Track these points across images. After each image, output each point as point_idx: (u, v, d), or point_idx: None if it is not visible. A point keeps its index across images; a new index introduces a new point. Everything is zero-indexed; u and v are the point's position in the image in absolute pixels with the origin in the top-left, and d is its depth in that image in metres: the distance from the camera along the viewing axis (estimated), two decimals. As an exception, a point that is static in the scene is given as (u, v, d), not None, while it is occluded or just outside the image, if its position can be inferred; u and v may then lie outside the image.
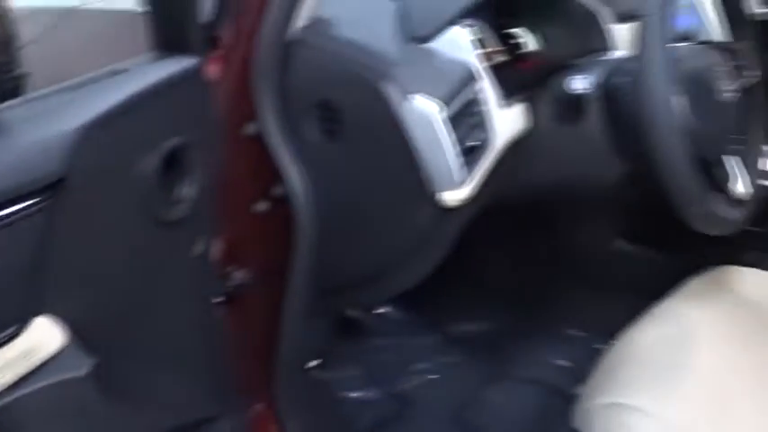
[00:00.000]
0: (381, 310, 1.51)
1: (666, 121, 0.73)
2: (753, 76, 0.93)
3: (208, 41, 0.69)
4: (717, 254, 1.18)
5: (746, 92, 0.93)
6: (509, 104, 0.86)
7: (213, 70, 0.70)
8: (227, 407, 0.78)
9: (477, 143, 0.76)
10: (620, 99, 0.84)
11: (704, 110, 0.82)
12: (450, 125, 0.71)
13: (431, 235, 0.78)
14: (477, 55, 0.84)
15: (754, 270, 1.11)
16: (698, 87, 0.82)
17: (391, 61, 0.72)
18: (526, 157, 0.92)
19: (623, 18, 1.10)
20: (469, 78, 0.80)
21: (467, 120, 0.76)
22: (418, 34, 0.85)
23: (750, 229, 1.31)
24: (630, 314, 1.02)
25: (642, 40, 0.76)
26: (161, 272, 0.63)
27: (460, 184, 0.71)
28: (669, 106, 0.73)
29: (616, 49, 1.07)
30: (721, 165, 0.87)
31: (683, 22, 1.18)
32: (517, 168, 0.93)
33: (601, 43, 1.08)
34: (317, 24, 0.80)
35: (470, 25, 0.97)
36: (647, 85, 0.74)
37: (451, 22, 0.85)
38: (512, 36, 1.11)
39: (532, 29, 1.13)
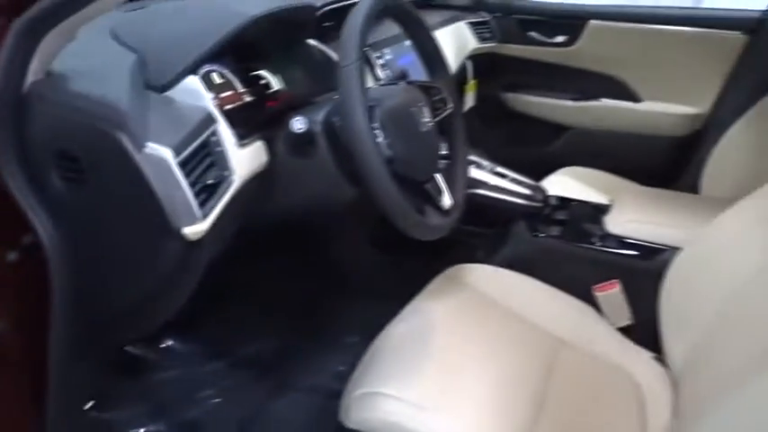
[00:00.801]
0: (166, 345, 1.54)
1: (371, 153, 0.87)
2: (446, 109, 1.14)
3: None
4: (453, 255, 1.39)
5: (444, 122, 1.14)
6: (247, 143, 0.96)
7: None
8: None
9: (214, 181, 0.84)
10: (338, 135, 0.98)
11: (408, 140, 0.99)
12: (185, 167, 0.79)
13: (180, 267, 0.85)
14: (213, 100, 0.93)
15: (482, 266, 1.33)
16: (400, 122, 0.99)
17: (125, 112, 0.78)
18: (270, 188, 1.04)
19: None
20: (205, 123, 0.88)
21: (203, 160, 0.84)
22: (155, 84, 0.92)
23: (476, 232, 1.56)
24: (394, 314, 1.17)
25: (342, 87, 0.90)
26: None
27: (199, 219, 0.79)
28: (371, 140, 0.88)
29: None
30: (432, 182, 1.06)
31: (404, 62, 1.39)
32: (264, 198, 1.04)
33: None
34: (53, 78, 0.84)
35: (211, 71, 1.06)
36: (350, 124, 0.88)
37: (187, 72, 0.93)
38: (260, 77, 1.23)
39: (277, 71, 1.26)
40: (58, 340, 0.86)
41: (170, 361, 1.49)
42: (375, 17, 0.98)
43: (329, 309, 1.54)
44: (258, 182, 1.01)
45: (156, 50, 0.94)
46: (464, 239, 1.53)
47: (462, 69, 1.91)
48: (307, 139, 0.98)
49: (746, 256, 1.02)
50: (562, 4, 2.04)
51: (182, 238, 0.80)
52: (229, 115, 0.96)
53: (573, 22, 2.00)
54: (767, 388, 0.67)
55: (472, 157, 1.48)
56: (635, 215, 1.42)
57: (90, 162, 0.80)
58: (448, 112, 1.15)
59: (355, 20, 0.94)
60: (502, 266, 1.33)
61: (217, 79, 1.12)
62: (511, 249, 1.43)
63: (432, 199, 1.04)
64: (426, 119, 1.04)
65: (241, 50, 1.17)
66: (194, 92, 0.92)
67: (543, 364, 1.13)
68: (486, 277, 1.31)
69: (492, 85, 2.18)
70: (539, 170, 1.76)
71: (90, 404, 1.10)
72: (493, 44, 2.08)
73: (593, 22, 1.96)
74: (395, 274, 1.54)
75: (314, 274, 1.52)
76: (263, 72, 1.23)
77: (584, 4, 2.00)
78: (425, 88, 1.12)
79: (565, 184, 1.71)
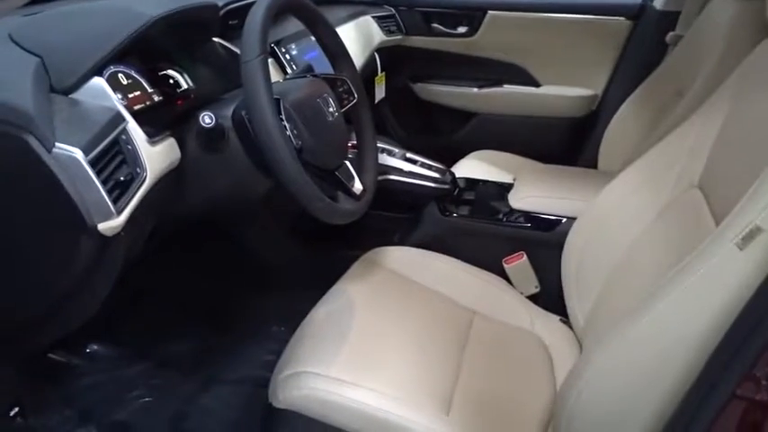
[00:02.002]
0: (89, 349, 1.53)
1: (279, 143, 0.91)
2: (351, 100, 1.19)
3: None
4: (371, 240, 1.45)
5: (350, 112, 1.20)
6: (158, 141, 0.99)
7: None
8: None
9: (125, 178, 0.86)
10: (247, 128, 1.02)
11: (315, 130, 1.04)
12: (95, 165, 0.81)
13: (96, 264, 0.86)
14: (120, 101, 0.95)
15: (398, 247, 1.40)
16: (306, 113, 1.03)
17: (30, 115, 0.78)
18: (184, 184, 1.06)
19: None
20: (113, 122, 0.89)
21: (114, 158, 0.86)
22: (59, 87, 0.93)
23: (391, 217, 1.63)
24: (317, 301, 1.21)
25: (246, 82, 0.94)
26: None
27: (114, 214, 0.81)
28: (279, 131, 0.92)
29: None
30: (343, 169, 1.11)
31: (310, 56, 1.44)
32: (178, 193, 1.06)
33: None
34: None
35: (117, 72, 1.07)
36: (258, 117, 0.92)
37: (91, 74, 0.94)
38: (169, 77, 1.25)
39: (185, 70, 1.27)
40: None
41: (95, 365, 1.49)
42: (275, 14, 1.02)
43: (252, 301, 1.57)
44: (172, 178, 1.04)
45: (59, 53, 0.95)
46: (380, 225, 1.60)
47: (371, 62, 1.97)
48: (217, 133, 1.01)
49: (631, 219, 1.13)
50: (462, -5, 2.13)
51: (98, 234, 0.82)
52: (139, 114, 0.98)
53: (473, 13, 2.09)
54: (654, 319, 0.76)
55: (383, 145, 1.55)
56: (536, 191, 1.52)
57: (2, 165, 0.80)
58: (353, 102, 1.20)
59: (255, 16, 0.98)
60: (417, 247, 1.41)
61: (124, 80, 1.13)
62: (424, 230, 1.51)
63: (343, 185, 1.09)
64: (332, 109, 1.09)
65: (147, 51, 1.19)
66: (101, 93, 0.93)
67: (459, 334, 1.20)
68: (402, 258, 1.37)
69: (401, 76, 2.25)
70: (450, 156, 1.84)
71: (15, 411, 1.09)
72: (399, 37, 2.15)
73: (491, 12, 2.07)
74: (315, 262, 1.59)
75: (233, 269, 1.54)
76: (170, 72, 1.25)
77: (482, -5, 2.10)
78: (330, 80, 1.17)
79: (474, 167, 1.81)
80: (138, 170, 0.90)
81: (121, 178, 0.85)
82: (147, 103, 1.16)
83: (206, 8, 1.16)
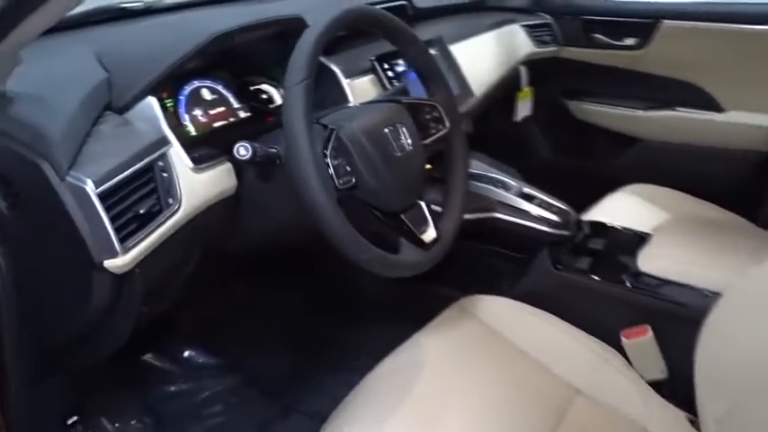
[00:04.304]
0: (187, 355, 1.54)
1: (312, 181, 0.79)
2: (440, 129, 1.03)
3: None
4: (478, 278, 1.28)
5: (438, 143, 1.03)
6: (206, 168, 0.91)
7: None
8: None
9: (152, 209, 0.80)
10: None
11: (375, 165, 0.89)
12: (108, 198, 0.74)
13: (112, 298, 0.81)
14: (168, 123, 0.88)
15: (496, 297, 1.21)
16: (366, 145, 0.89)
17: (51, 139, 0.75)
18: (240, 214, 0.98)
19: (353, 74, 1.19)
20: (152, 147, 0.83)
21: (140, 188, 0.80)
22: (116, 105, 0.90)
23: (500, 253, 1.43)
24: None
25: (285, 110, 0.82)
26: None
27: (119, 253, 0.75)
28: (314, 168, 0.79)
29: (350, 101, 1.15)
30: (413, 212, 0.96)
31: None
32: (232, 224, 0.99)
33: (339, 96, 1.16)
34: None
35: (201, 87, 1.03)
36: (290, 150, 0.80)
37: (146, 93, 0.89)
38: (262, 91, 1.19)
39: (280, 84, 1.20)
40: (12, 364, 0.85)
41: (186, 372, 1.49)
42: (343, 30, 0.90)
43: (343, 332, 1.47)
44: (224, 207, 0.96)
45: (122, 70, 0.92)
46: (491, 262, 1.41)
47: (514, 76, 1.76)
48: (269, 161, 0.91)
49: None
50: (632, 2, 1.83)
51: (106, 270, 0.76)
52: (217, 132, 0.94)
53: (644, 23, 1.78)
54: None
55: (499, 176, 1.35)
56: (677, 250, 1.23)
57: (22, 187, 0.78)
58: (443, 132, 1.04)
59: (308, 37, 0.86)
60: (521, 300, 1.20)
61: (208, 95, 1.09)
62: (531, 282, 1.29)
63: (409, 231, 0.93)
64: (405, 141, 0.94)
65: (238, 64, 1.13)
66: (150, 114, 0.88)
67: (552, 413, 1.00)
68: (499, 310, 1.19)
69: (552, 91, 2.00)
70: (602, 185, 1.60)
71: (73, 419, 1.10)
72: (554, 48, 1.91)
73: (666, 21, 1.74)
74: (411, 296, 1.44)
75: (324, 298, 1.46)
76: (264, 86, 1.18)
77: (656, 2, 1.78)
78: (415, 106, 1.01)
79: (618, 205, 1.53)
80: (169, 201, 0.83)
81: (141, 211, 0.78)
82: (231, 119, 1.11)
83: (290, 21, 1.07)
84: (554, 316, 1.17)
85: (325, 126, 0.89)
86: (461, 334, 1.13)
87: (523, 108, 1.85)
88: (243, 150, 0.83)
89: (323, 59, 1.17)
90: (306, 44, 0.85)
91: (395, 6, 1.46)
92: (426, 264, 0.94)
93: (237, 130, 1.07)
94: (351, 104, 1.02)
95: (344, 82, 1.16)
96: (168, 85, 1.02)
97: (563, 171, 1.56)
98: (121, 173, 0.77)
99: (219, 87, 1.11)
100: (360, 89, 1.18)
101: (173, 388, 1.45)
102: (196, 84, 1.07)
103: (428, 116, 1.02)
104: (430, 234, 0.96)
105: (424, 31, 1.47)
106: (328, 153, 0.84)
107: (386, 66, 1.24)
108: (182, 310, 1.43)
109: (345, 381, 1.42)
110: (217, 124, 1.08)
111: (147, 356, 1.47)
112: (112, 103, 0.90)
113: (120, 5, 1.30)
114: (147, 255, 0.80)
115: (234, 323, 1.56)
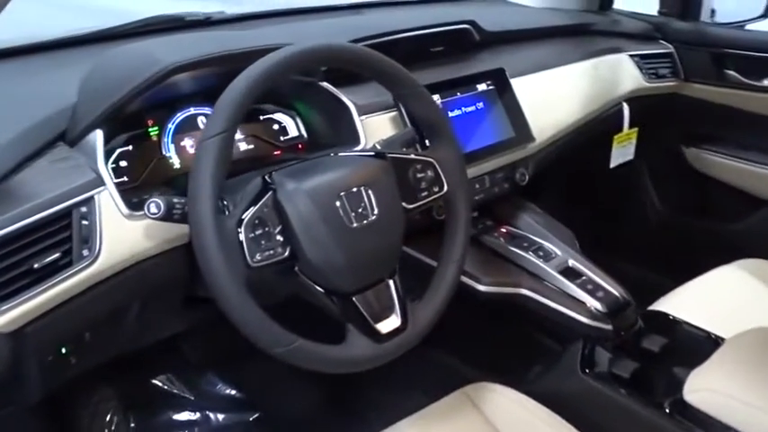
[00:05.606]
0: (207, 385, 1.48)
1: (215, 265, 0.66)
2: (435, 191, 0.85)
3: None
4: (505, 356, 1.10)
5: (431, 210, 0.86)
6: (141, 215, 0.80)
7: None
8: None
9: (58, 262, 0.71)
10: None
11: (324, 237, 0.74)
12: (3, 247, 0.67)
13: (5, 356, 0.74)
14: (106, 164, 0.79)
15: (512, 391, 1.01)
16: (316, 212, 0.74)
17: None
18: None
19: (371, 110, 1.04)
20: (77, 190, 0.75)
21: (49, 237, 0.72)
22: (69, 137, 0.83)
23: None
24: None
25: (195, 164, 0.69)
26: None
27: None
28: (210, 237, 0.66)
29: (361, 142, 1.00)
30: (370, 294, 0.79)
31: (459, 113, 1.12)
32: (187, 272, 0.88)
33: (350, 136, 1.02)
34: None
35: (198, 115, 0.96)
36: (191, 214, 0.68)
37: (95, 126, 0.81)
38: (276, 121, 1.08)
39: (299, 115, 1.09)
40: None
41: (203, 401, 1.44)
42: (297, 73, 0.76)
43: (352, 389, 1.34)
44: (183, 254, 0.86)
45: (89, 95, 0.86)
46: (522, 341, 1.19)
47: (613, 113, 1.49)
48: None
49: None
50: (775, 34, 1.48)
51: None
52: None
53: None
54: None
55: (543, 241, 1.13)
56: (730, 380, 0.91)
57: None
58: (437, 196, 0.85)
59: (242, 81, 0.73)
60: (538, 396, 0.99)
61: (202, 124, 1.00)
62: (553, 379, 1.05)
63: (359, 318, 0.77)
64: (367, 210, 0.77)
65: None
66: (91, 150, 0.80)
67: None
68: (507, 406, 0.99)
69: (665, 135, 1.69)
70: (715, 252, 1.35)
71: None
72: (673, 83, 1.60)
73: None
74: (429, 367, 1.26)
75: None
76: (277, 116, 1.08)
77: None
78: (404, 162, 0.84)
79: (732, 282, 1.25)
80: (83, 252, 0.74)
81: (36, 266, 0.70)
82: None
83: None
84: (570, 426, 0.94)
85: (267, 183, 0.76)
86: (459, 426, 0.96)
87: (621, 153, 1.56)
88: (154, 208, 0.71)
89: (337, 92, 1.03)
90: (232, 92, 0.72)
91: (455, 31, 1.28)
92: (376, 360, 0.77)
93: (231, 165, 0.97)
94: (330, 153, 0.87)
95: (358, 119, 1.01)
96: (157, 112, 0.94)
97: (664, 232, 1.28)
98: (21, 221, 0.70)
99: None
100: (375, 128, 1.02)
101: (182, 415, 1.40)
102: (192, 111, 0.99)
103: (420, 175, 0.85)
104: (390, 323, 0.78)
105: (488, 62, 1.28)
106: (246, 219, 0.70)
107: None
108: (193, 340, 1.37)
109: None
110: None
111: (159, 379, 1.43)
112: (67, 133, 0.83)
113: (179, 16, 1.26)
114: (47, 310, 0.72)
115: (256, 358, 1.48)
